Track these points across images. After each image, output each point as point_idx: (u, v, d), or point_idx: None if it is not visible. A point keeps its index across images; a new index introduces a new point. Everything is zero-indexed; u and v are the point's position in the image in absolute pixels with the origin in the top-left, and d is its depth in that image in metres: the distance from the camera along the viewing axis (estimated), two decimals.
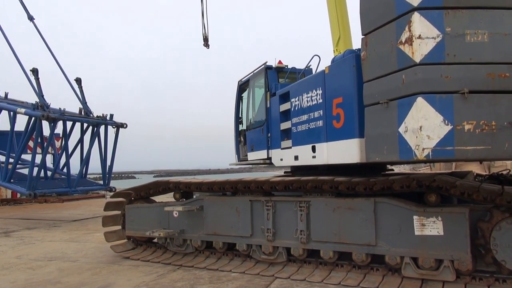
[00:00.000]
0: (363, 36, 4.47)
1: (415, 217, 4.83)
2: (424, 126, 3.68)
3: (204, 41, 9.65)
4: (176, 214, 7.07)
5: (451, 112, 3.65)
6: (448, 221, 4.64)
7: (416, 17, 3.75)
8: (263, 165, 8.61)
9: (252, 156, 8.66)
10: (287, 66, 8.56)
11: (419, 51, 3.71)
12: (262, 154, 8.16)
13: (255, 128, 8.49)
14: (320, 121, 6.23)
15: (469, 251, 4.55)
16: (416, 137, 3.72)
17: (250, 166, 9.67)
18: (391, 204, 5.05)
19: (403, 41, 3.84)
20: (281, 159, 7.49)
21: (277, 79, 8.35)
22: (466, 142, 3.64)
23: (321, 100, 6.22)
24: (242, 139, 9.42)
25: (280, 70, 8.44)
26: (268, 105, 8.00)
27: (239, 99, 9.55)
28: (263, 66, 8.37)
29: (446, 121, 3.65)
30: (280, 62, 8.51)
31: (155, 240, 7.57)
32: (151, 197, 8.08)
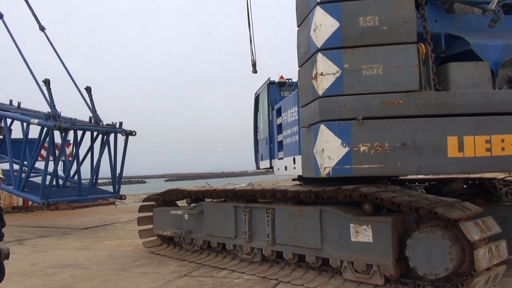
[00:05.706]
0: (299, 68, 5.19)
1: (351, 224, 5.29)
2: (325, 149, 4.36)
3: (252, 67, 10.07)
4: (186, 217, 8.20)
5: (349, 136, 4.29)
6: (376, 229, 5.08)
7: (319, 57, 4.43)
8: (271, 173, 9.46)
9: (262, 164, 9.58)
10: (290, 80, 9.27)
11: (321, 85, 4.40)
12: (267, 163, 9.04)
13: (263, 139, 9.35)
14: (297, 136, 6.96)
15: (392, 257, 4.90)
16: (320, 157, 4.41)
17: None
18: (333, 212, 5.57)
19: (313, 76, 4.54)
20: (278, 169, 8.31)
21: (280, 93, 9.13)
22: (362, 161, 4.26)
23: (297, 117, 6.95)
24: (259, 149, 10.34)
25: (282, 85, 9.20)
26: (270, 118, 8.84)
27: (256, 110, 10.43)
28: (267, 82, 9.19)
29: (344, 144, 4.30)
30: (281, 77, 9.25)
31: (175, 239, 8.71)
32: (175, 201, 9.32)
